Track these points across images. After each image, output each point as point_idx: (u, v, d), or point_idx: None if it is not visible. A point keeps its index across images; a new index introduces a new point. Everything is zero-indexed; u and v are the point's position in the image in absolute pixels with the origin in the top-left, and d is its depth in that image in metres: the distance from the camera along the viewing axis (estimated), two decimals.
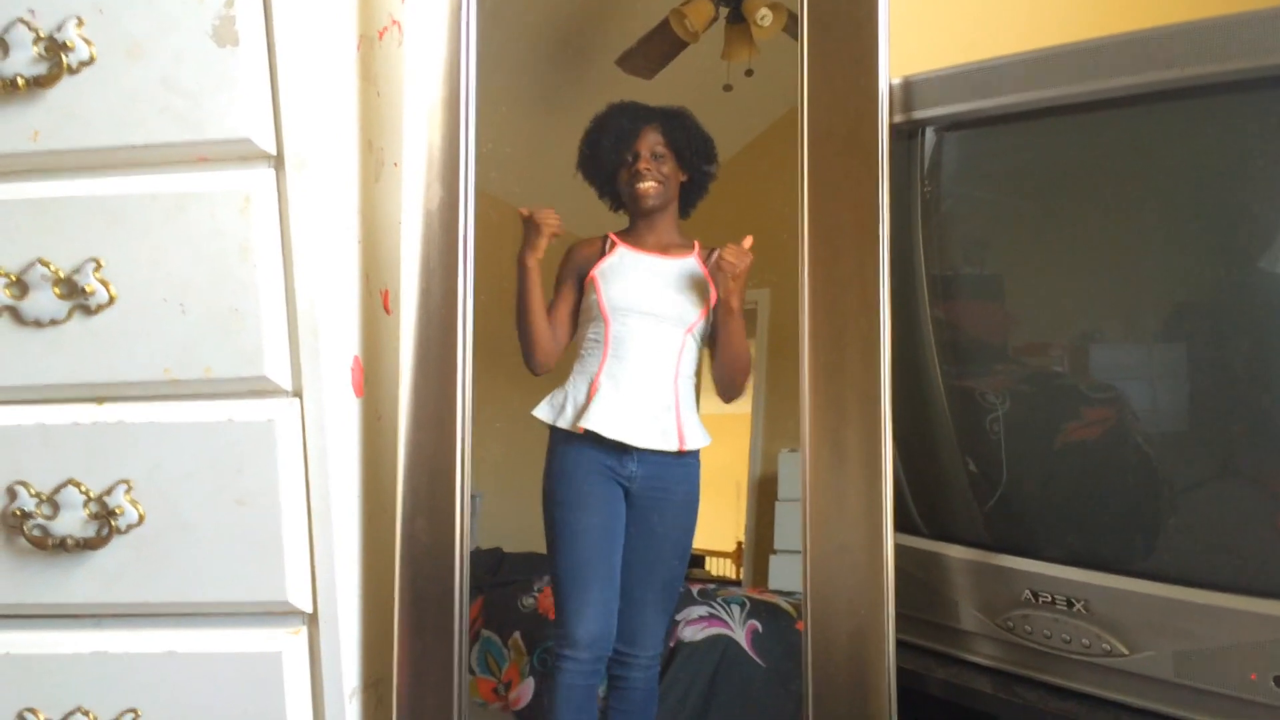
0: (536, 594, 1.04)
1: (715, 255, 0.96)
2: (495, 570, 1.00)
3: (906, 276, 0.94)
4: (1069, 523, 0.88)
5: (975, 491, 0.93)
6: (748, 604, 0.98)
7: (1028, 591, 0.86)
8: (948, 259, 0.93)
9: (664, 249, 0.97)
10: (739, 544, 0.98)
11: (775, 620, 0.98)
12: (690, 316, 0.96)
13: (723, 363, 0.96)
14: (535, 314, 0.97)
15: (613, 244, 0.98)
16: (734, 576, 0.99)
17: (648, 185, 0.96)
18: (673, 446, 0.95)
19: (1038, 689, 0.87)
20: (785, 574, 0.96)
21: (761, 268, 0.95)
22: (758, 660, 0.97)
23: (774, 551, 0.97)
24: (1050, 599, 0.85)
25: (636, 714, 0.97)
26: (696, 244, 0.97)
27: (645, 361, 0.96)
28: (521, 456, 1.03)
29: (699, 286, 0.96)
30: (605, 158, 0.97)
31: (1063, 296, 0.89)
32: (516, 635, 1.03)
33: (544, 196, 0.97)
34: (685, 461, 0.96)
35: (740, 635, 0.98)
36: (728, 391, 0.97)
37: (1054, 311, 0.90)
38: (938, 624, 0.94)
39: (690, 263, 0.97)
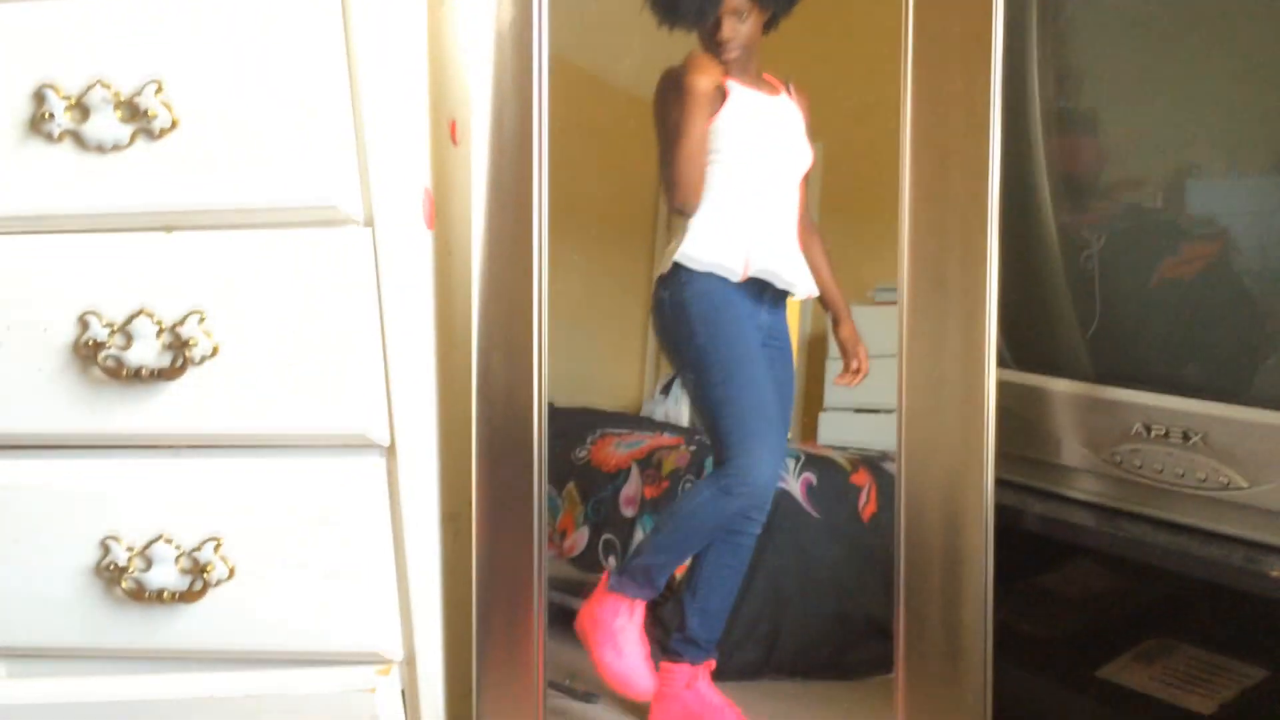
0: (589, 446, 1.04)
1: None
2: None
3: (1017, 96, 0.87)
4: (1185, 351, 0.83)
5: (1082, 323, 0.88)
6: (802, 457, 0.98)
7: (1139, 424, 0.82)
8: (1063, 77, 0.87)
9: (758, 82, 0.92)
10: None
11: (829, 473, 0.98)
12: (804, 165, 0.93)
13: None
14: (698, 147, 0.92)
15: (725, 79, 0.92)
16: None
17: (730, 53, 0.91)
18: (802, 295, 0.94)
19: (1145, 524, 0.84)
20: (834, 432, 0.97)
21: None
22: (811, 512, 0.98)
23: (823, 409, 0.97)
24: (1165, 432, 0.81)
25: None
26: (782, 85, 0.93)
27: (773, 208, 0.93)
28: (586, 303, 1.01)
29: (802, 133, 0.93)
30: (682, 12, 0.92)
31: (1175, 126, 0.83)
32: (570, 486, 1.03)
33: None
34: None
35: (795, 488, 0.98)
36: None
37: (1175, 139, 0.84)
38: (1037, 460, 0.90)
39: (788, 104, 0.93)
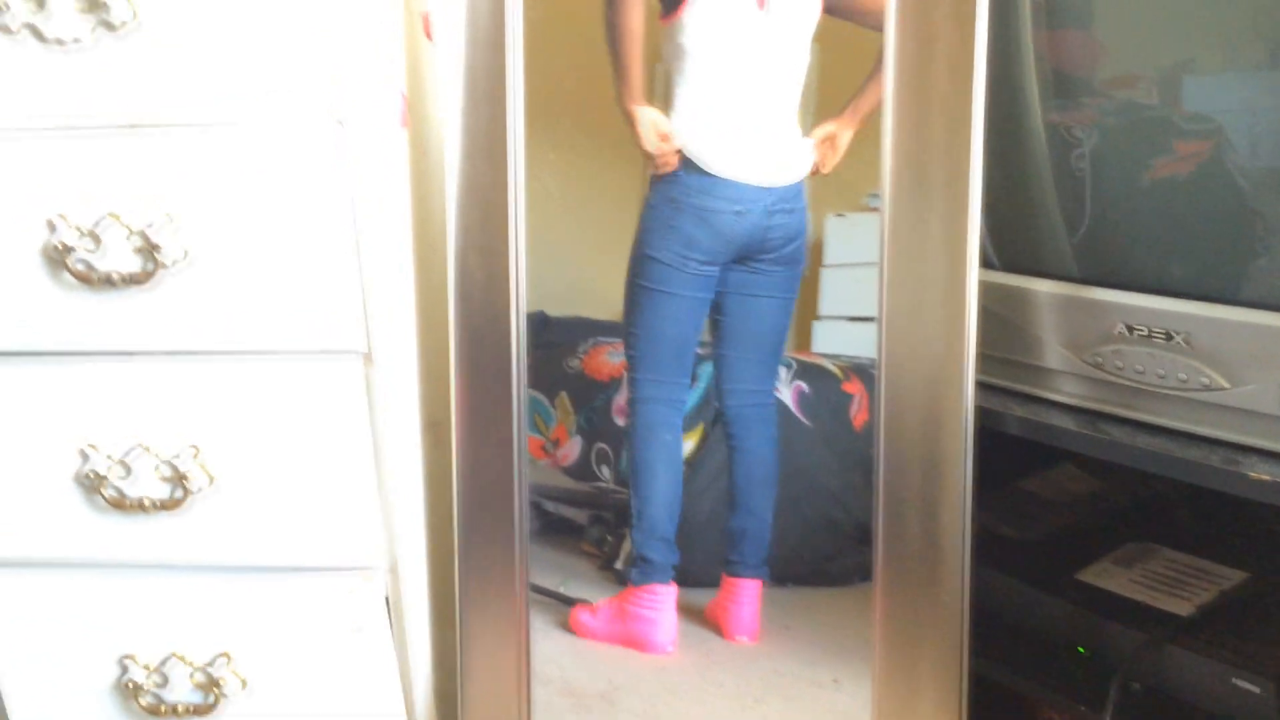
0: (582, 356, 1.04)
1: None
2: (540, 333, 0.98)
3: None
4: (1171, 252, 0.81)
5: (1069, 223, 0.86)
6: (795, 365, 0.98)
7: (1122, 325, 0.81)
8: None
9: None
10: None
11: (822, 381, 0.98)
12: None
13: None
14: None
15: None
16: None
17: None
18: None
19: (1125, 426, 0.83)
20: (829, 340, 0.97)
21: None
22: (803, 420, 0.97)
23: (818, 317, 0.96)
24: (1147, 332, 0.79)
25: None
26: None
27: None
28: (571, 207, 0.98)
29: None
30: None
31: (1171, 19, 0.80)
32: (563, 395, 1.03)
33: None
34: None
35: (787, 395, 0.98)
36: None
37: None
38: (1018, 362, 0.89)
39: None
